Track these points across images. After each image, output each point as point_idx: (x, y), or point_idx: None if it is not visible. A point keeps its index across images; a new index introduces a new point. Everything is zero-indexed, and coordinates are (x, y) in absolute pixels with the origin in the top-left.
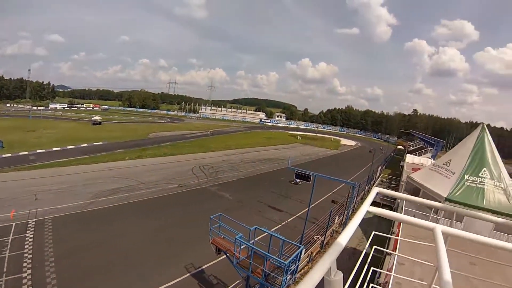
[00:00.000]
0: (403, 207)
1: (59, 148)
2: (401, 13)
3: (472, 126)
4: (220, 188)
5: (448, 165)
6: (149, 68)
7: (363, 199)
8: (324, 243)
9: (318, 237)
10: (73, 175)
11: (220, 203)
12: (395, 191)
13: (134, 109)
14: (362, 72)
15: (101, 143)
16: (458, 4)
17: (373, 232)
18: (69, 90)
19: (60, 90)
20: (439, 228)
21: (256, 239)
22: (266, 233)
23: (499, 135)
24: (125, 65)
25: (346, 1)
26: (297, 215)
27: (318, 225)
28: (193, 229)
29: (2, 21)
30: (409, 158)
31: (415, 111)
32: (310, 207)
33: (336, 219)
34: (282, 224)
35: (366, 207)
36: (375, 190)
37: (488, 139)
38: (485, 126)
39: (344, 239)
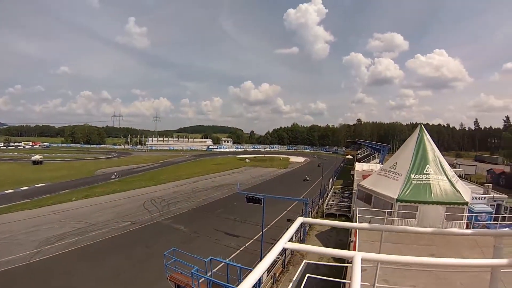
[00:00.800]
0: (357, 215)
1: None
2: (337, 30)
3: (413, 127)
4: (174, 220)
5: (394, 168)
6: (91, 101)
7: (318, 212)
8: (286, 262)
9: (279, 257)
10: (14, 223)
11: (176, 236)
12: (349, 200)
13: (78, 145)
14: (304, 88)
15: (43, 184)
16: (387, 18)
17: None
18: (4, 127)
19: None
20: (359, 256)
21: (215, 269)
22: (221, 261)
23: (438, 131)
24: (66, 98)
25: (284, 22)
26: (254, 238)
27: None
28: (151, 268)
29: None
30: (358, 166)
31: (359, 120)
32: (265, 229)
33: (294, 237)
34: (241, 249)
35: (282, 242)
36: (298, 221)
37: (427, 137)
38: (422, 126)
39: (258, 272)
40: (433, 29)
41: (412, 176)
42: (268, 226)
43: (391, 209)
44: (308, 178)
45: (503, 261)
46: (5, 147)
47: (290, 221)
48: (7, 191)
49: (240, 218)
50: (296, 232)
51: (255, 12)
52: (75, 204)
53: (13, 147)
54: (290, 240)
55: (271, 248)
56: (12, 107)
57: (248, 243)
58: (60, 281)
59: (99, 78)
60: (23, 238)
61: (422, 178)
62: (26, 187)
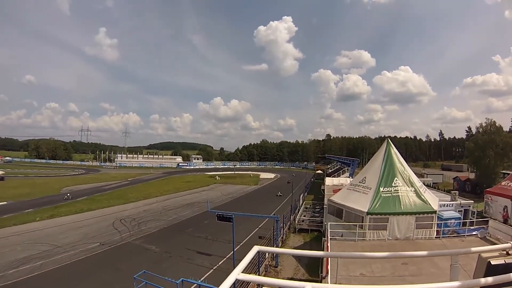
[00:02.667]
0: (329, 229)
1: None
2: (306, 47)
3: (382, 140)
4: (144, 240)
5: (364, 182)
6: (58, 113)
7: (290, 228)
8: None
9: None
10: None
11: (147, 256)
12: (320, 215)
13: (43, 161)
14: (274, 105)
15: (5, 203)
16: (354, 36)
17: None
18: None
19: None
20: (309, 286)
21: None
22: (193, 283)
23: (405, 143)
24: (30, 109)
25: (254, 39)
26: (228, 256)
27: (251, 263)
28: None
29: None
30: (329, 180)
31: (328, 135)
32: (237, 248)
33: (267, 254)
34: (214, 268)
35: (235, 274)
36: (255, 249)
37: (394, 151)
38: (389, 140)
39: None
40: (398, 46)
41: (381, 189)
42: (241, 244)
43: (362, 222)
44: (280, 194)
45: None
46: None
47: (262, 238)
48: None
49: (211, 236)
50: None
51: (224, 28)
52: (40, 225)
53: None
54: (245, 271)
55: (223, 281)
56: None
57: (221, 262)
58: None
59: (66, 89)
60: None
61: (391, 191)
62: None
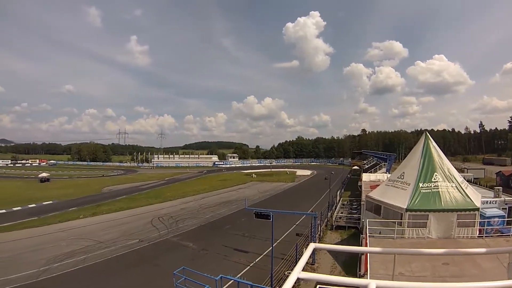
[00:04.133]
0: (367, 227)
1: (3, 211)
2: (336, 41)
3: (418, 134)
4: (182, 237)
5: (402, 177)
6: (96, 119)
7: (327, 225)
8: None
9: (289, 272)
10: (22, 240)
11: (185, 253)
12: (357, 212)
13: (85, 163)
14: (307, 101)
15: (51, 202)
16: (385, 26)
17: None
18: (12, 144)
19: (2, 144)
20: (373, 284)
21: (225, 286)
22: (231, 279)
23: (443, 136)
24: (71, 116)
25: (283, 37)
26: (264, 253)
27: (287, 260)
28: (160, 286)
29: None
30: (366, 176)
31: (363, 130)
32: (274, 244)
33: (304, 251)
34: (251, 265)
35: (296, 273)
36: (311, 247)
37: (433, 144)
38: (427, 133)
39: None
40: (431, 35)
41: (421, 185)
42: (278, 241)
43: (401, 219)
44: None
45: None
46: (12, 165)
47: (300, 235)
48: (14, 209)
49: (248, 233)
50: (306, 246)
51: (252, 28)
52: (82, 222)
53: (20, 165)
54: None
55: (285, 280)
56: (18, 125)
57: (257, 259)
58: None
59: (103, 96)
60: (31, 255)
61: (431, 186)
62: (34, 205)
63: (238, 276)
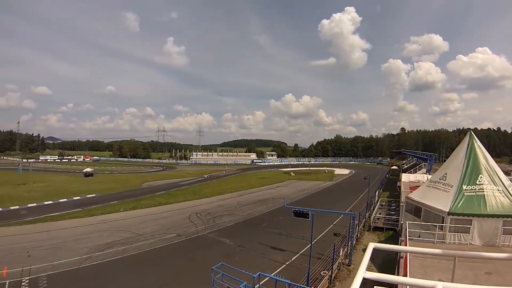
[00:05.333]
0: (407, 229)
1: (51, 202)
2: (372, 37)
3: (460, 133)
4: (219, 234)
5: (444, 179)
6: (136, 117)
7: (365, 226)
8: (332, 277)
9: (325, 272)
10: (67, 230)
11: (221, 249)
12: (396, 213)
13: (125, 159)
14: (345, 99)
15: (94, 195)
16: (422, 19)
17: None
18: (59, 142)
19: (50, 142)
20: (440, 285)
21: (260, 283)
22: (269, 277)
23: (487, 136)
24: (113, 115)
25: (319, 34)
26: (301, 252)
27: (323, 260)
28: (195, 281)
29: None
30: (405, 177)
31: (402, 129)
32: (312, 243)
33: (341, 252)
34: (286, 264)
35: (361, 273)
36: (370, 246)
37: (478, 144)
38: (472, 132)
39: None
40: (473, 26)
41: (464, 187)
42: (315, 240)
43: (443, 223)
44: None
45: None
46: (59, 160)
47: (337, 235)
48: (61, 200)
49: (285, 232)
50: (343, 246)
51: (289, 26)
52: (122, 215)
53: (67, 160)
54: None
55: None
56: (65, 124)
57: (293, 258)
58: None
59: (142, 95)
60: (75, 244)
61: (475, 189)
62: (78, 197)
63: (273, 274)
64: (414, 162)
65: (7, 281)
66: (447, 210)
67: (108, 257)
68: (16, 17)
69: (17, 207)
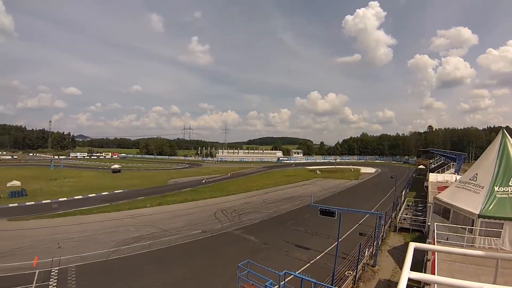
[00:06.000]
0: (435, 231)
1: (80, 197)
2: (398, 32)
3: (491, 131)
4: (244, 231)
5: (475, 179)
6: (162, 116)
7: (390, 226)
8: (356, 278)
9: (350, 273)
10: (95, 223)
11: (246, 246)
12: (423, 214)
13: (152, 156)
14: (371, 96)
15: (121, 191)
16: (449, 12)
17: None
18: (88, 139)
19: (80, 139)
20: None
21: (283, 282)
22: (295, 276)
23: None
24: (139, 113)
25: (343, 30)
26: (325, 251)
27: (348, 259)
28: (219, 277)
29: (22, 76)
30: (433, 177)
31: (430, 127)
32: (339, 242)
33: (366, 252)
34: (311, 262)
35: (406, 273)
36: (411, 246)
37: (511, 143)
38: (504, 131)
39: None
40: (503, 17)
41: (496, 188)
42: (340, 240)
43: (472, 226)
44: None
45: None
46: (88, 157)
47: (363, 235)
48: (90, 195)
49: (310, 230)
50: (369, 246)
51: (313, 22)
52: (149, 211)
53: (95, 157)
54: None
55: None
56: (93, 122)
57: (318, 257)
58: (131, 280)
59: (168, 94)
60: (103, 237)
61: (508, 191)
62: (106, 193)
63: (298, 272)
64: (442, 161)
65: (37, 271)
66: (478, 213)
67: (135, 251)
68: (48, 22)
69: (49, 201)
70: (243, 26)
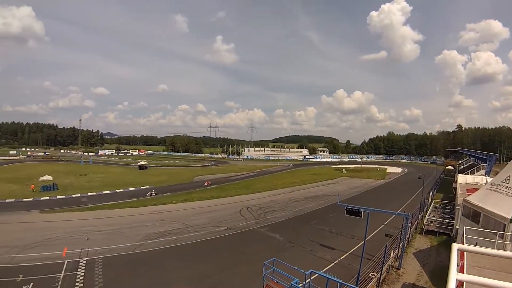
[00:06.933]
0: (464, 235)
1: (108, 192)
2: (425, 27)
3: None
4: (269, 229)
5: (507, 182)
6: (188, 114)
7: (417, 228)
8: (381, 280)
9: (374, 274)
10: (122, 218)
11: (271, 244)
12: (451, 217)
13: (178, 154)
14: (397, 94)
15: (148, 187)
16: (479, 3)
17: None
18: (116, 137)
19: (108, 137)
20: None
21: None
22: (319, 275)
23: None
24: (165, 112)
25: (368, 26)
26: (350, 252)
27: (372, 261)
28: (243, 274)
29: (54, 77)
30: (461, 178)
31: (459, 126)
32: (361, 243)
33: (391, 254)
34: (335, 262)
35: (454, 275)
36: (454, 248)
37: None
38: None
39: None
40: None
41: None
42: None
43: (504, 231)
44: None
45: None
46: (116, 154)
47: (389, 236)
48: (117, 191)
49: (335, 230)
50: (394, 248)
51: (337, 20)
52: (174, 207)
53: (123, 154)
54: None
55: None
56: (121, 120)
57: (342, 257)
58: (155, 274)
59: (194, 92)
60: (129, 231)
61: None
62: (133, 188)
63: (322, 271)
64: (472, 162)
65: (66, 261)
66: (510, 217)
67: (160, 245)
68: (77, 26)
69: (79, 195)
70: (267, 25)
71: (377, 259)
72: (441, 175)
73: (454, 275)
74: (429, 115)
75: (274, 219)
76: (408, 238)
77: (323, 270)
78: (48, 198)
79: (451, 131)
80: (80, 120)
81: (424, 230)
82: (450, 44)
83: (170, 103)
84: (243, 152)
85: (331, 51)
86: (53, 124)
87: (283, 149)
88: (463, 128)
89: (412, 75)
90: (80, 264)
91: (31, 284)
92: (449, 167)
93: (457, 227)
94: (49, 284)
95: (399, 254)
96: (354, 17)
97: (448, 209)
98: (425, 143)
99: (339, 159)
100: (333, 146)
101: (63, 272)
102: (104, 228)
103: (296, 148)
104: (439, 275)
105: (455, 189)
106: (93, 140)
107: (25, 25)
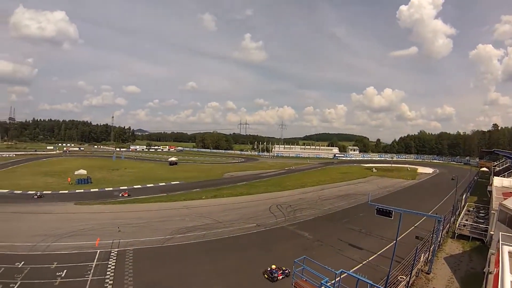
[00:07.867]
0: (500, 241)
1: (139, 186)
2: (457, 20)
3: None
4: (298, 227)
5: None
6: (218, 111)
7: (448, 232)
8: (409, 284)
9: (403, 278)
10: (152, 212)
11: (299, 242)
12: (485, 221)
13: (208, 150)
14: (429, 92)
15: (178, 182)
16: None
17: None
18: (147, 133)
19: (139, 133)
20: None
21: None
22: (348, 275)
23: None
24: (195, 109)
25: (397, 21)
26: (379, 253)
27: (402, 264)
28: None
29: (87, 77)
30: (497, 181)
31: (495, 125)
32: (391, 245)
33: (422, 257)
34: (363, 263)
35: (508, 277)
36: (505, 250)
37: None
38: None
39: None
40: None
41: None
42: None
43: None
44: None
45: None
46: (147, 150)
47: (419, 239)
48: (148, 185)
49: (365, 230)
50: (425, 251)
51: (366, 15)
52: (204, 202)
53: (154, 150)
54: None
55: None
56: (152, 117)
57: (371, 258)
58: (184, 267)
59: (223, 90)
60: (160, 225)
61: None
62: (164, 183)
63: (350, 270)
64: (509, 164)
65: (98, 251)
66: None
67: (189, 239)
68: (109, 27)
69: (111, 188)
70: (295, 22)
71: (407, 262)
72: (475, 177)
73: (508, 278)
74: (463, 113)
75: (303, 217)
76: (439, 242)
77: (352, 270)
78: (82, 191)
79: (486, 130)
80: (113, 117)
81: (456, 234)
82: (485, 38)
83: (200, 100)
84: (273, 149)
85: (360, 47)
86: (87, 121)
87: (313, 147)
88: (499, 128)
89: (444, 71)
90: (112, 254)
91: (65, 271)
92: (484, 168)
93: (492, 232)
94: (82, 272)
95: (429, 258)
96: (383, 12)
97: (482, 213)
98: (458, 143)
99: (369, 158)
100: (363, 144)
101: (95, 261)
102: (135, 221)
103: (326, 146)
104: (471, 282)
105: (490, 192)
106: (124, 136)
107: (60, 29)
